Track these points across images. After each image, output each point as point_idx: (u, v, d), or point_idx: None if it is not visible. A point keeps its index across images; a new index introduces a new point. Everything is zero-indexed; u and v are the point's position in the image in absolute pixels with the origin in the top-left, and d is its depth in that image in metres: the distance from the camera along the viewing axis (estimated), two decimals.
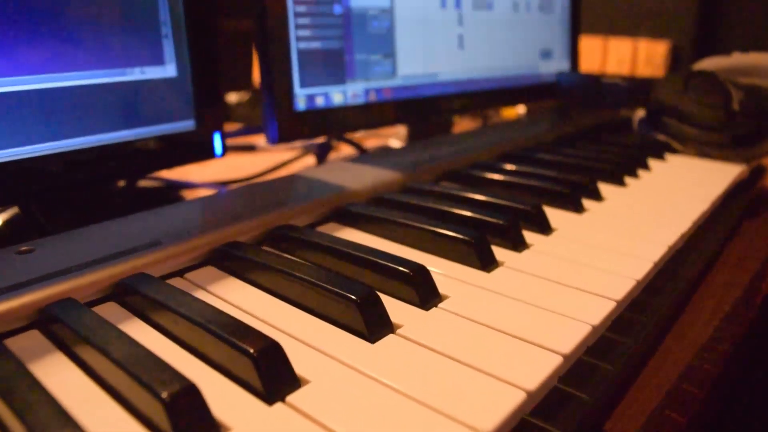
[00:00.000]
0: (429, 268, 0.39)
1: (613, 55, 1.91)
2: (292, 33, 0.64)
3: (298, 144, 0.94)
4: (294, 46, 0.64)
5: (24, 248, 0.41)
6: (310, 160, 0.91)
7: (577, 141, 0.78)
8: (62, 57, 0.50)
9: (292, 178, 0.57)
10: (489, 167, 0.64)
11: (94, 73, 0.52)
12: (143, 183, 0.72)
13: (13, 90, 0.47)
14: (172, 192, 0.74)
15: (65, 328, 0.33)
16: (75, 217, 0.57)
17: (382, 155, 0.66)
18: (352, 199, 0.52)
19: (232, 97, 1.14)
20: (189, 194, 0.76)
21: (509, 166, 0.64)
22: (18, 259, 0.39)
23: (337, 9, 0.67)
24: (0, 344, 0.31)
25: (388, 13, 0.72)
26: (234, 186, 0.78)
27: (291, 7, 0.63)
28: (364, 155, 0.65)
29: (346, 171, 0.59)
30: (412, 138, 0.83)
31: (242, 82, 1.10)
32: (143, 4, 0.55)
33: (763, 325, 0.49)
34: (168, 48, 0.56)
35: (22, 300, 0.34)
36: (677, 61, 1.87)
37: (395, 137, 0.99)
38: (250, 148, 0.98)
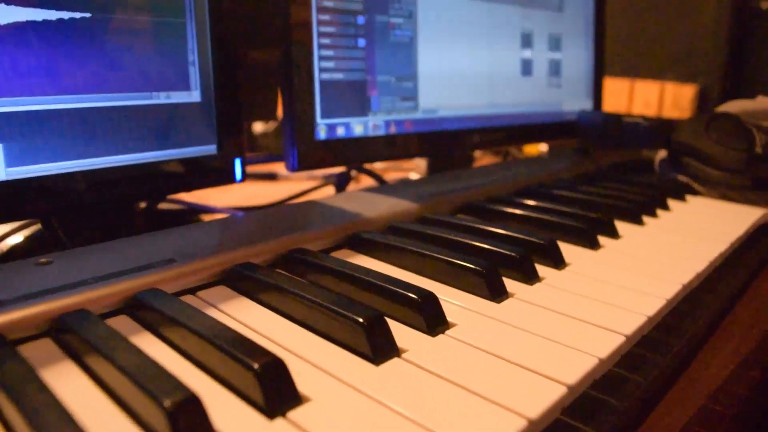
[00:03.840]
0: (438, 296, 0.39)
1: (640, 98, 1.91)
2: (316, 63, 0.65)
3: (318, 174, 0.95)
4: (317, 77, 0.65)
5: (43, 260, 0.42)
6: (329, 190, 0.92)
7: (597, 179, 0.78)
8: (92, 79, 0.51)
9: (308, 205, 0.58)
10: (506, 201, 0.64)
11: (122, 95, 0.53)
12: (164, 205, 0.74)
13: (43, 108, 0.49)
14: (192, 215, 0.75)
15: (76, 337, 0.33)
16: (96, 235, 0.58)
17: (400, 186, 0.67)
18: (366, 227, 0.53)
19: (258, 127, 1.16)
20: (208, 219, 0.77)
21: (526, 201, 0.64)
22: (36, 270, 0.40)
23: (361, 42, 0.69)
24: (13, 350, 0.32)
25: (412, 46, 0.73)
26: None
27: (315, 38, 0.65)
28: (382, 186, 0.66)
29: (363, 200, 0.59)
30: (433, 169, 0.84)
31: (268, 112, 1.12)
32: (173, 31, 0.56)
33: None
34: (194, 74, 0.58)
35: (37, 309, 0.35)
36: (704, 104, 1.87)
37: (415, 171, 1.00)
38: (271, 177, 1.00)
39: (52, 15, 0.49)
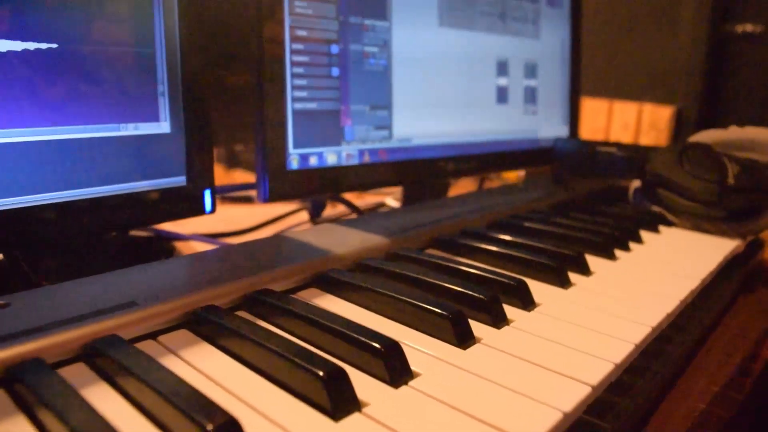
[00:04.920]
0: (403, 341, 0.39)
1: (618, 118, 1.93)
2: (288, 93, 0.65)
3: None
4: (289, 106, 0.65)
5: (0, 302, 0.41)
6: (304, 214, 0.91)
7: (571, 210, 0.78)
8: (59, 110, 0.51)
9: (276, 240, 0.57)
10: (477, 235, 0.63)
11: (89, 127, 0.52)
12: (134, 232, 0.72)
13: (8, 141, 0.48)
14: (162, 243, 0.74)
15: (26, 388, 0.32)
16: (62, 267, 0.57)
17: (373, 219, 0.66)
18: (335, 265, 0.52)
19: (238, 146, 1.15)
20: (180, 245, 0.76)
21: (498, 235, 0.63)
22: None
23: (335, 71, 0.68)
24: None
25: (386, 75, 0.73)
26: (226, 239, 0.79)
27: (288, 67, 0.64)
28: (355, 219, 0.65)
29: (333, 234, 0.59)
30: (408, 197, 0.83)
31: (246, 133, 1.11)
32: (142, 62, 0.56)
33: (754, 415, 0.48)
34: (163, 105, 0.57)
35: None
36: (681, 126, 1.89)
37: (391, 196, 1.00)
38: (247, 200, 0.99)
39: (18, 46, 0.48)
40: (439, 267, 0.53)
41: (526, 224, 0.69)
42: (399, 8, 0.74)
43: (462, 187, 1.05)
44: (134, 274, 0.47)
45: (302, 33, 0.65)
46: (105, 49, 0.53)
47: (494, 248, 0.58)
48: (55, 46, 0.50)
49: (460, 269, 0.52)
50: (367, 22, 0.71)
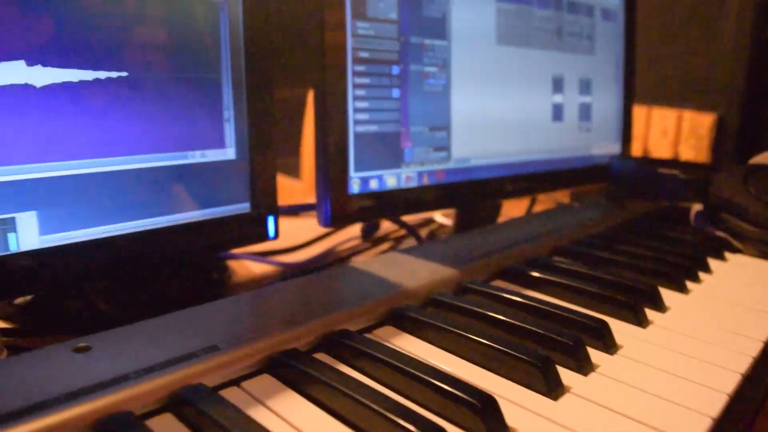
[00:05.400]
0: (492, 391, 0.37)
1: (657, 125, 1.89)
2: (350, 116, 0.63)
3: None
4: (351, 129, 0.64)
5: (81, 345, 0.40)
6: (354, 229, 0.90)
7: (631, 233, 0.77)
8: (127, 140, 0.50)
9: (343, 271, 0.56)
10: (545, 266, 0.62)
11: (158, 156, 0.52)
12: None
13: (76, 173, 0.47)
14: (216, 261, 0.73)
15: None
16: (131, 298, 0.56)
17: (434, 246, 0.65)
18: (407, 300, 0.51)
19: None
20: (233, 264, 0.76)
21: (565, 265, 0.62)
22: (74, 358, 0.38)
23: (395, 92, 0.67)
24: None
25: (445, 95, 0.72)
26: (278, 257, 0.78)
27: (350, 89, 0.63)
28: (416, 247, 0.64)
29: (399, 265, 0.57)
30: (460, 215, 0.82)
31: (291, 145, 1.11)
32: (209, 88, 0.55)
33: None
34: (229, 131, 0.56)
35: (76, 411, 0.33)
36: (723, 133, 1.85)
37: (440, 212, 0.98)
38: (295, 212, 0.98)
39: (89, 75, 0.48)
40: (515, 304, 0.52)
41: (592, 252, 0.68)
42: (458, 27, 0.72)
43: (512, 206, 1.03)
44: (210, 312, 0.46)
45: (364, 55, 0.64)
46: (173, 76, 0.52)
47: (565, 281, 0.57)
48: (125, 74, 0.49)
49: (537, 307, 0.51)
50: (427, 41, 0.70)
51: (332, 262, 0.81)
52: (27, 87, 0.45)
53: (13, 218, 0.45)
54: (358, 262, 0.58)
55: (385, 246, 0.88)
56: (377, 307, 0.49)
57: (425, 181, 0.71)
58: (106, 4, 0.48)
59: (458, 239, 0.68)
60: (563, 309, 0.50)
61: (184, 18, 0.53)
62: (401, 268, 0.57)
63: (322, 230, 0.89)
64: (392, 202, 0.68)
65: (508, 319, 0.47)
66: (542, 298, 0.54)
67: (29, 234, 0.46)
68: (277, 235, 0.61)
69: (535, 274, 0.59)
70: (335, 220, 0.64)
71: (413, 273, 0.55)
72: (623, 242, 0.72)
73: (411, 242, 0.88)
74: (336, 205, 0.63)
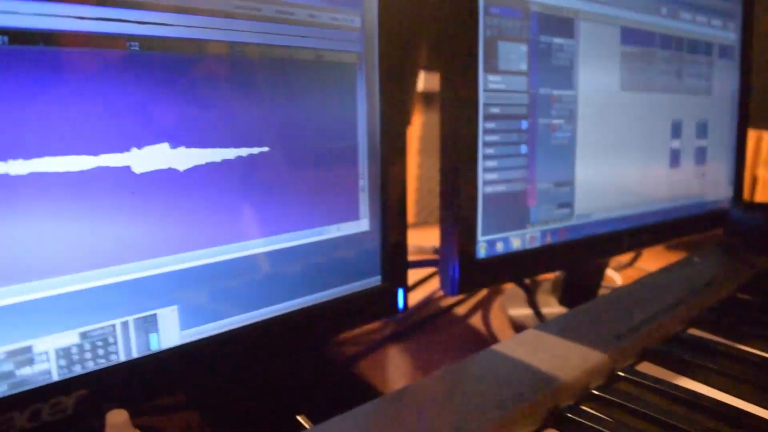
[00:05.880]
0: None
1: (767, 150, 1.79)
2: (480, 176, 0.59)
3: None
4: (480, 191, 0.59)
5: None
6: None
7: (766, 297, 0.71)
8: (268, 220, 0.46)
9: (487, 361, 0.52)
10: (694, 346, 0.57)
11: (298, 234, 0.48)
12: None
13: (222, 259, 0.44)
14: None
15: None
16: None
17: (568, 320, 0.60)
18: (564, 397, 0.47)
19: None
20: None
21: (716, 345, 0.57)
22: None
23: (524, 148, 0.63)
24: None
25: (571, 148, 0.67)
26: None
27: (480, 148, 0.59)
28: (552, 323, 0.59)
29: (544, 349, 0.53)
30: (569, 277, 0.78)
31: None
32: (345, 156, 0.51)
33: None
34: (363, 201, 0.53)
35: None
36: None
37: None
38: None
39: (231, 153, 0.44)
40: (686, 402, 0.47)
41: (738, 327, 0.62)
42: (585, 75, 0.67)
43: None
44: (377, 414, 0.42)
45: (495, 110, 0.60)
46: (311, 146, 0.49)
47: (727, 368, 0.52)
48: (266, 149, 0.46)
49: (714, 409, 0.46)
50: (556, 92, 0.65)
51: (436, 313, 0.77)
52: (170, 171, 0.41)
53: (154, 315, 0.42)
54: (499, 346, 0.54)
55: (482, 293, 0.84)
56: (537, 408, 0.45)
57: (548, 240, 0.67)
58: (262, 80, 0.45)
59: (588, 311, 0.63)
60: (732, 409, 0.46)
61: (322, 82, 0.49)
62: (548, 354, 0.52)
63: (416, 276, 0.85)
64: (517, 265, 0.64)
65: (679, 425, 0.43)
66: (711, 396, 0.49)
67: (170, 330, 0.43)
68: (405, 307, 0.57)
69: (686, 357, 0.54)
70: (462, 288, 0.59)
71: (563, 360, 0.51)
72: (764, 310, 0.67)
73: (510, 289, 0.83)
74: (464, 272, 0.59)
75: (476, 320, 0.78)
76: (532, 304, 0.78)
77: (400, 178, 0.55)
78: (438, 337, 0.72)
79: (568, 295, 0.79)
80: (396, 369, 0.64)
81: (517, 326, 0.75)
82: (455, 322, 0.78)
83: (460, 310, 0.80)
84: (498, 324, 0.77)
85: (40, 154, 0.36)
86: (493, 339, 0.73)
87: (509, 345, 0.54)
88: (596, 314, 0.61)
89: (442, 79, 0.58)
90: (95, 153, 0.38)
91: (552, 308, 0.79)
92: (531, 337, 0.55)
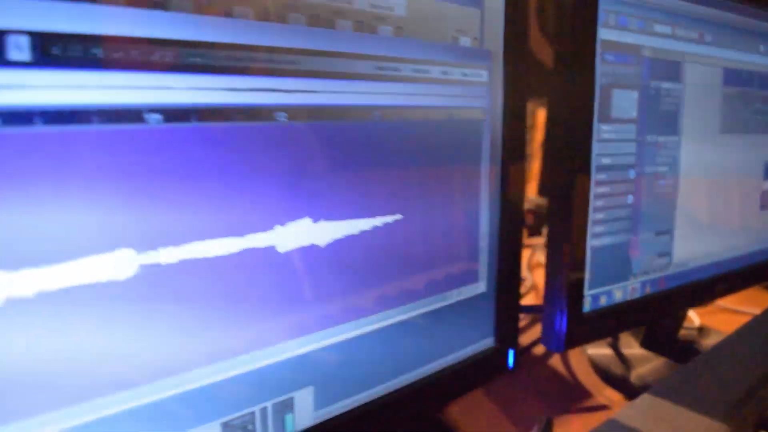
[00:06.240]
0: None
1: None
2: (589, 229, 0.57)
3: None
4: (588, 244, 0.57)
5: None
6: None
7: None
8: (400, 290, 0.44)
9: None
10: None
11: (424, 302, 0.46)
12: None
13: (352, 336, 0.42)
14: None
15: None
16: None
17: (680, 381, 0.58)
18: None
19: None
20: None
21: None
22: None
23: (630, 198, 0.60)
24: None
25: (672, 195, 0.65)
26: None
27: (591, 200, 0.57)
28: (662, 388, 0.57)
29: (663, 419, 0.51)
30: (650, 331, 0.75)
31: None
32: (468, 216, 0.49)
33: None
34: (483, 263, 0.50)
35: None
36: None
37: None
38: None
39: (367, 224, 0.42)
40: None
41: None
42: (688, 119, 0.65)
43: None
44: None
45: (606, 161, 0.58)
46: (440, 209, 0.46)
47: None
48: (399, 217, 0.44)
49: None
50: (661, 138, 0.62)
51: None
52: (312, 248, 0.39)
53: (291, 398, 0.40)
54: (619, 416, 0.52)
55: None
56: None
57: (647, 290, 0.64)
58: (397, 144, 0.42)
59: (699, 371, 0.61)
60: None
61: (451, 142, 0.47)
62: (669, 426, 0.50)
63: None
64: (618, 318, 0.62)
65: None
66: None
67: (305, 411, 0.41)
68: (515, 367, 0.55)
69: None
70: (569, 344, 0.57)
71: None
72: None
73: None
74: (570, 327, 0.57)
75: (555, 360, 0.76)
76: (614, 346, 0.76)
77: (517, 236, 0.52)
78: (519, 377, 0.70)
79: (650, 336, 0.77)
80: (484, 414, 0.62)
81: (598, 367, 0.73)
82: (535, 361, 0.76)
83: (539, 349, 0.77)
84: (578, 363, 0.75)
85: (189, 240, 0.34)
86: (575, 381, 0.71)
87: (628, 414, 0.52)
88: (707, 375, 0.59)
89: (557, 131, 0.55)
90: (241, 234, 0.36)
91: (633, 349, 0.77)
92: (648, 406, 0.53)
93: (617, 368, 0.72)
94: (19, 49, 0.28)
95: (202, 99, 0.33)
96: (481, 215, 0.49)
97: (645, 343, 0.78)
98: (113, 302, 0.31)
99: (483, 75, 0.48)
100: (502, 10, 0.49)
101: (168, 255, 0.33)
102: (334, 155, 0.39)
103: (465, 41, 0.46)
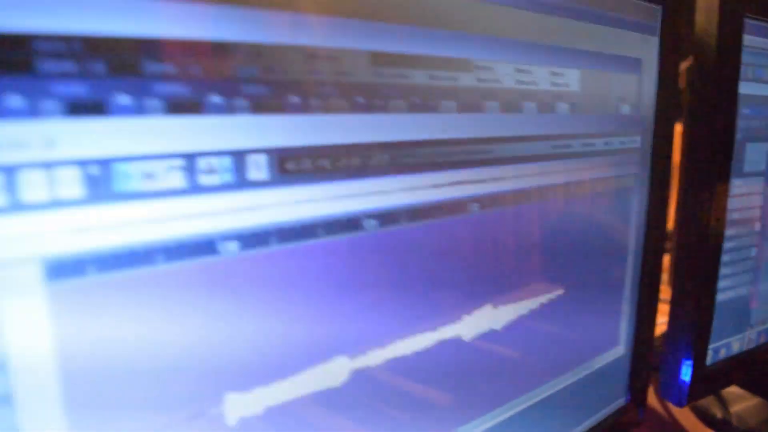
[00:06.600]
0: None
1: None
2: (717, 284, 0.56)
3: None
4: (716, 298, 0.57)
5: None
6: None
7: None
8: (556, 363, 0.44)
9: None
10: None
11: (567, 375, 0.46)
12: None
13: (513, 414, 0.42)
14: None
15: None
16: None
17: None
18: None
19: None
20: None
21: None
22: None
23: (753, 251, 0.60)
24: None
25: None
26: None
27: (721, 255, 0.56)
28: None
29: None
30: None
31: None
32: (614, 284, 0.48)
33: None
34: (623, 326, 0.50)
35: None
36: None
37: None
38: None
39: (536, 302, 0.42)
40: None
41: None
42: None
43: None
44: None
45: (736, 216, 0.57)
46: (593, 279, 0.46)
47: None
48: (561, 291, 0.43)
49: None
50: None
51: None
52: (491, 333, 0.39)
53: None
54: None
55: None
56: None
57: (762, 339, 0.64)
58: (561, 221, 0.42)
59: None
60: None
61: (604, 210, 0.46)
62: None
63: None
64: (736, 369, 0.61)
65: None
66: None
67: None
68: (642, 420, 0.55)
69: None
70: (691, 399, 0.57)
71: None
72: None
73: None
74: (694, 381, 0.57)
75: (654, 401, 0.76)
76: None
77: (655, 297, 0.52)
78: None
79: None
80: None
81: (699, 410, 0.73)
82: None
83: None
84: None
85: (392, 340, 0.34)
86: (678, 426, 0.71)
87: None
88: None
89: (692, 187, 0.54)
90: (433, 328, 0.36)
91: (734, 390, 0.77)
92: None
93: (717, 409, 0.72)
94: (258, 168, 0.27)
95: (411, 199, 0.33)
96: (626, 280, 0.49)
97: (746, 386, 0.77)
98: (329, 408, 0.31)
99: (637, 141, 0.47)
100: (656, 74, 0.48)
101: (376, 357, 0.33)
102: (513, 239, 0.39)
103: (625, 109, 0.45)
